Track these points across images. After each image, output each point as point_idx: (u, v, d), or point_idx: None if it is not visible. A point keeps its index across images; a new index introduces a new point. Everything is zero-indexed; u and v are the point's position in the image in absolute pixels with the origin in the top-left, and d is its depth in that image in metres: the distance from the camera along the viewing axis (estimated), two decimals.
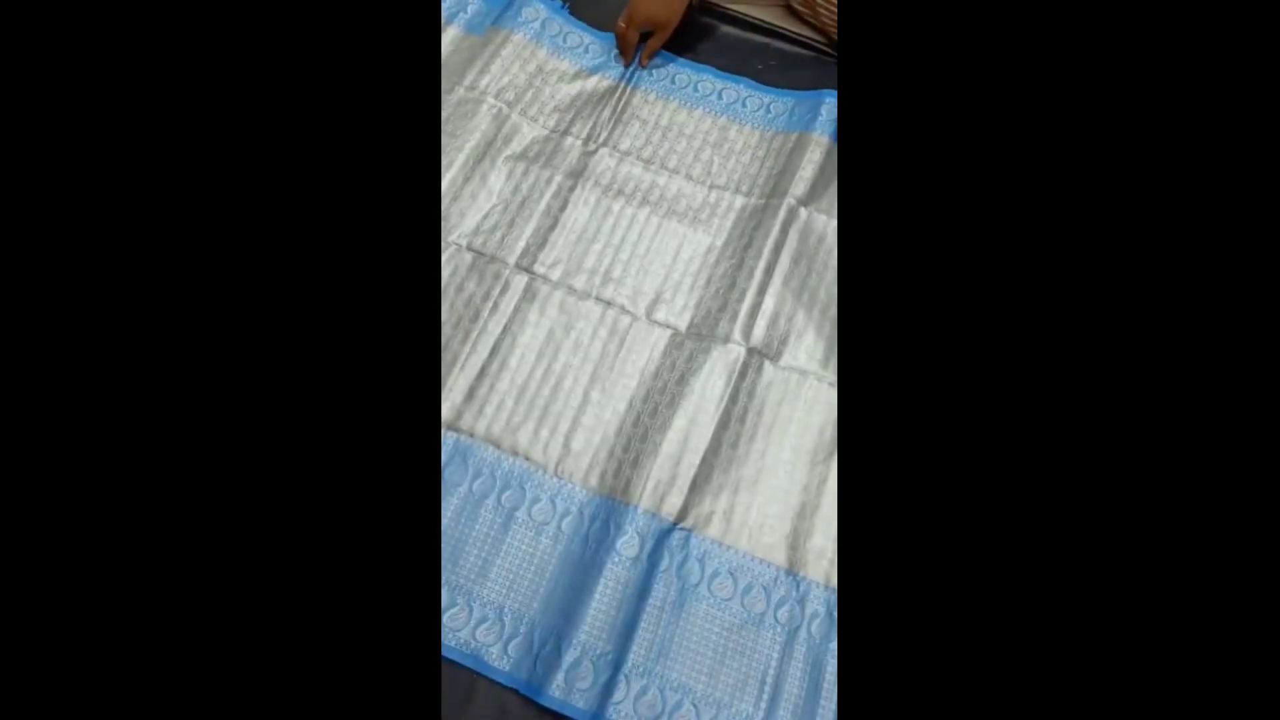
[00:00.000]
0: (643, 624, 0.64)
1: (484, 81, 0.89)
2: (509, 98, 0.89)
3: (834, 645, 0.63)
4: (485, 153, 0.86)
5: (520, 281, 0.79)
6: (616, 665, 0.63)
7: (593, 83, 0.92)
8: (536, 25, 0.93)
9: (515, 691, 0.64)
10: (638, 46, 0.91)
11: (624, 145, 0.87)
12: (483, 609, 0.66)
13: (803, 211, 0.81)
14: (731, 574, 0.66)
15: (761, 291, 0.77)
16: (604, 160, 0.86)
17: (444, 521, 0.70)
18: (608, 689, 0.61)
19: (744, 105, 0.91)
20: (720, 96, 0.92)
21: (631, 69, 0.92)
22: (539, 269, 0.80)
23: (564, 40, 0.95)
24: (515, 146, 0.86)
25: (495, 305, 0.78)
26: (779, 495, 0.69)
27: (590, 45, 0.94)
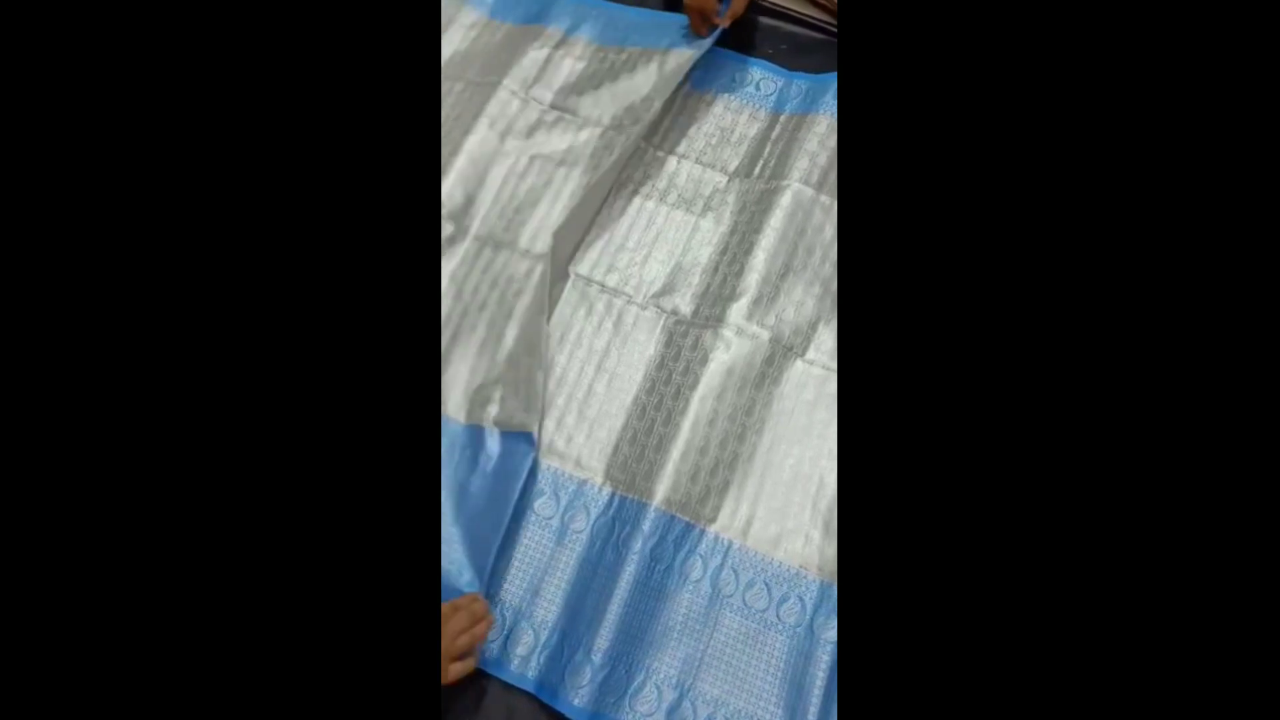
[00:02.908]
0: (675, 633, 0.63)
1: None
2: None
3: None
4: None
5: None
6: (647, 674, 0.61)
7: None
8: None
9: (524, 694, 0.62)
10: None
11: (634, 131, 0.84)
12: (501, 614, 0.64)
13: (824, 198, 0.79)
14: (766, 584, 0.65)
15: (778, 282, 0.75)
16: (609, 145, 0.83)
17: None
18: (636, 697, 0.60)
19: (758, 88, 0.88)
20: (734, 79, 0.89)
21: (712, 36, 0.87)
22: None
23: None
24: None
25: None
26: (812, 499, 0.68)
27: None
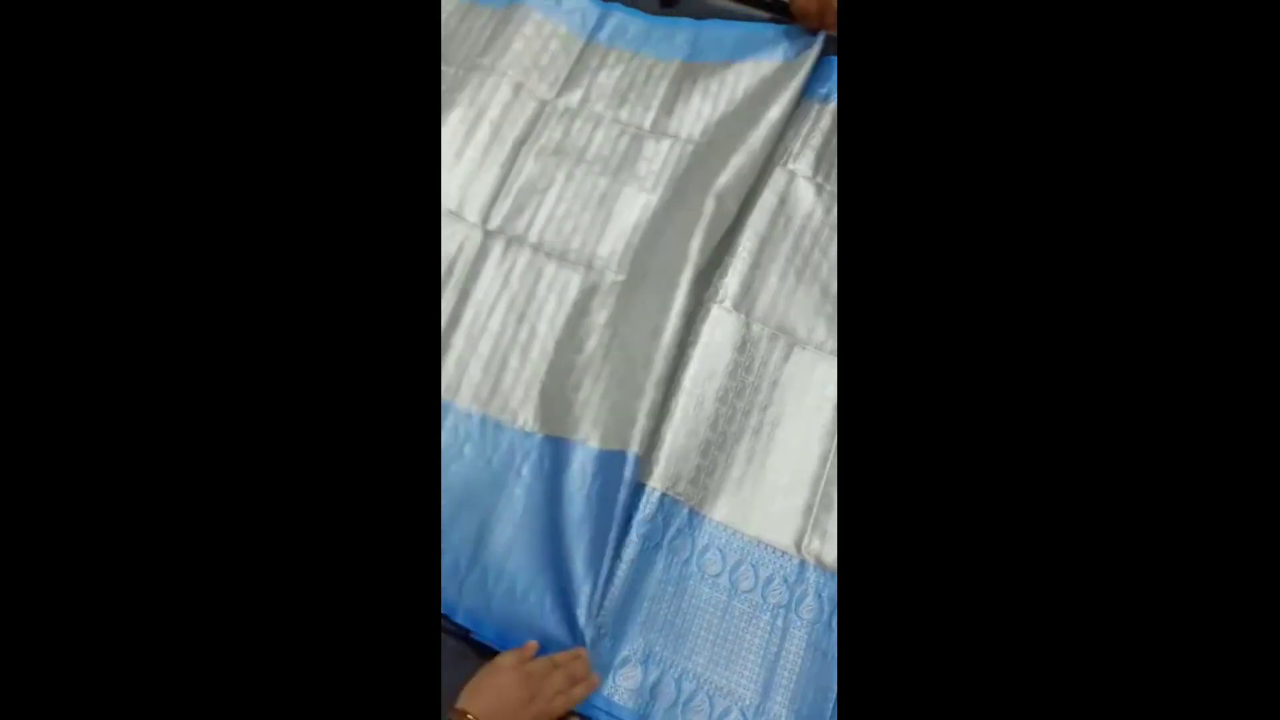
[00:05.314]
0: (661, 612, 0.63)
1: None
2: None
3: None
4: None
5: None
6: (631, 649, 0.62)
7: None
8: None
9: None
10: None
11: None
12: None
13: (816, 181, 0.79)
14: (753, 565, 0.65)
15: (768, 264, 0.75)
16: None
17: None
18: (619, 672, 0.61)
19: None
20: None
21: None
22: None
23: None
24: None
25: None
26: (801, 482, 0.68)
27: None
